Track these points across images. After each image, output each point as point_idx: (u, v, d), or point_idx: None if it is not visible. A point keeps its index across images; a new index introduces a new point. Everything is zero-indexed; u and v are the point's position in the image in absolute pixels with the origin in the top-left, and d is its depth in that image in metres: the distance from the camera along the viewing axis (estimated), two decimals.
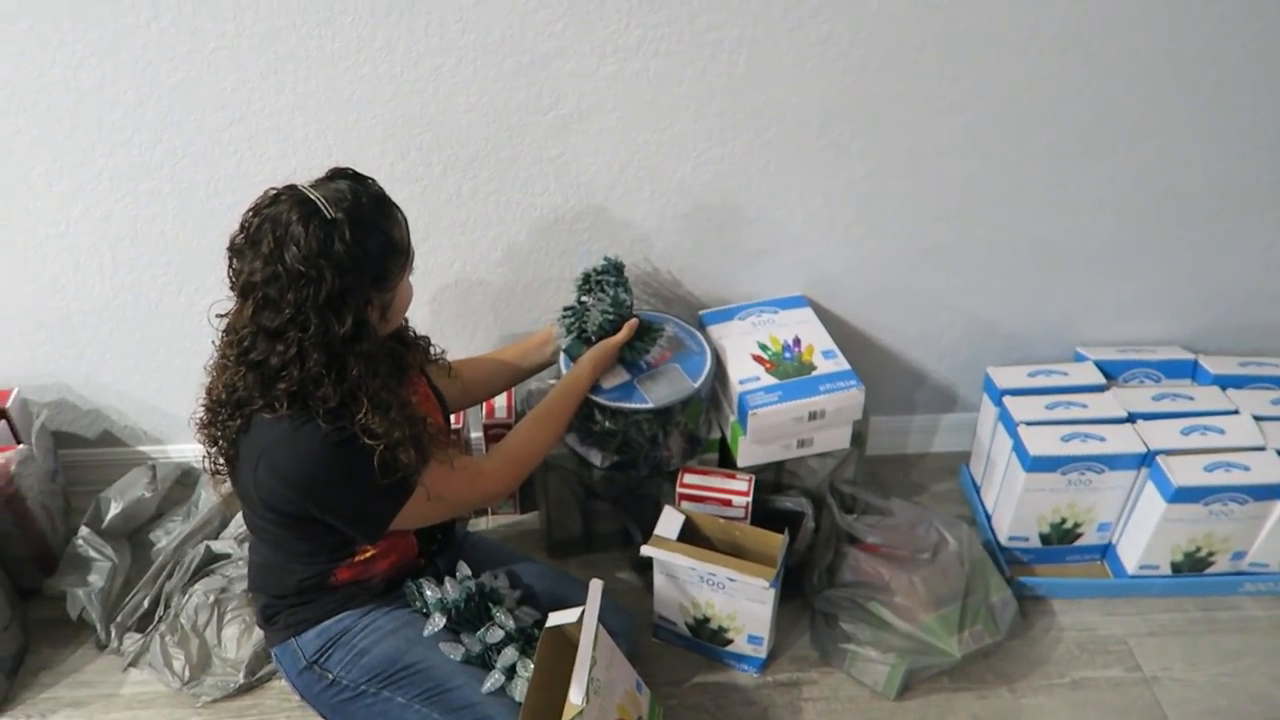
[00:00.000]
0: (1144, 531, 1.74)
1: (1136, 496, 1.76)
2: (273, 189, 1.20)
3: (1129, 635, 1.75)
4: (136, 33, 1.49)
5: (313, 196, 1.16)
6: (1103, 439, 1.73)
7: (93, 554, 1.76)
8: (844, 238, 1.82)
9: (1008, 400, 1.84)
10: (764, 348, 1.74)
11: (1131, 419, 1.78)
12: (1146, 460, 1.72)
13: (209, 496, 1.90)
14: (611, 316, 1.62)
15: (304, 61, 1.54)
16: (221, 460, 1.30)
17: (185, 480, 2.00)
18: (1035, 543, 1.84)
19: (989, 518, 1.93)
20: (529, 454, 1.49)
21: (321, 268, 1.14)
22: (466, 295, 1.84)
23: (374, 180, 1.25)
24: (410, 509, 1.30)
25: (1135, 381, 1.94)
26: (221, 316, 1.26)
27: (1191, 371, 1.94)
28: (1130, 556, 1.80)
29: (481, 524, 2.01)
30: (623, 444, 1.64)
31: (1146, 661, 1.70)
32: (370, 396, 1.21)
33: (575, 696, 1.26)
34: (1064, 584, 1.82)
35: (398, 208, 1.26)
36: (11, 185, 1.64)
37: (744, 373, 1.70)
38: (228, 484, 1.34)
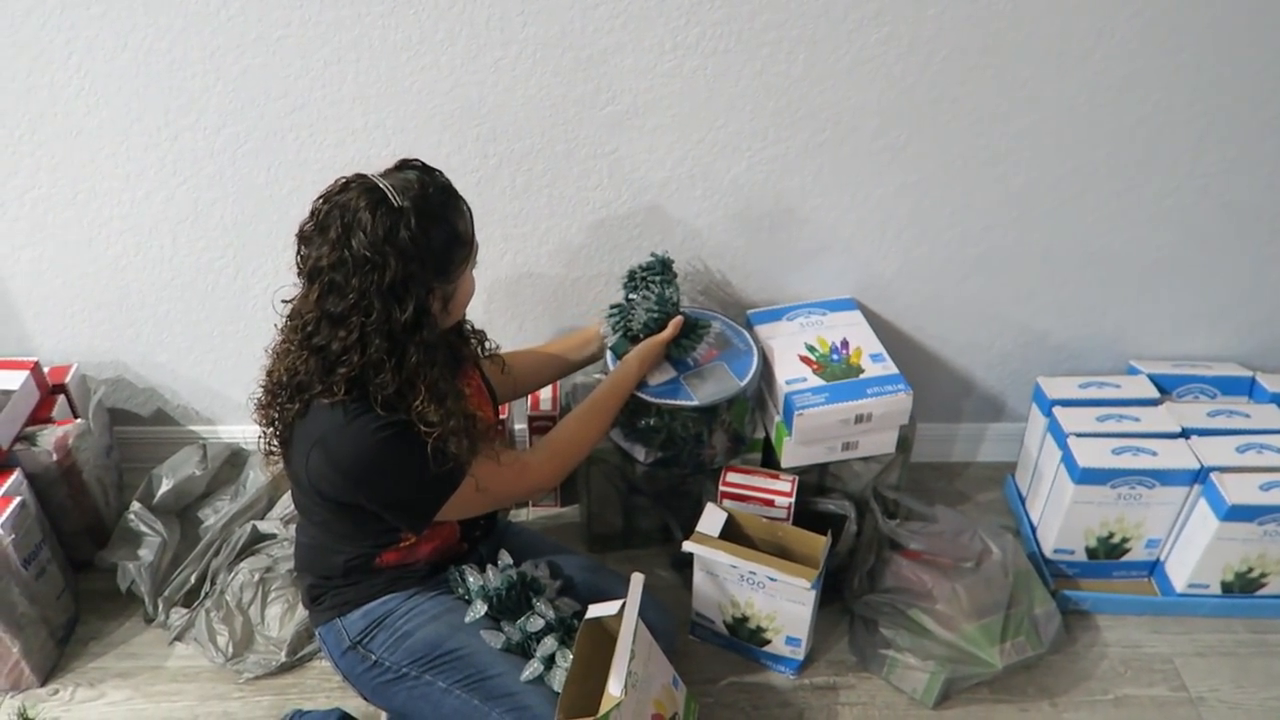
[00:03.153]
0: (1194, 550, 1.71)
1: (1188, 514, 1.73)
2: (342, 178, 1.22)
3: (1175, 654, 1.71)
4: (205, 20, 1.52)
5: (381, 185, 1.18)
6: (1155, 453, 1.70)
7: (143, 529, 1.80)
8: (896, 241, 1.81)
9: (1058, 411, 1.81)
10: (812, 349, 1.74)
11: (1185, 434, 1.75)
12: (1200, 477, 1.68)
13: (256, 477, 1.93)
14: (657, 314, 1.62)
15: (366, 51, 1.56)
16: (276, 442, 1.33)
17: (234, 461, 2.04)
18: (1081, 556, 1.82)
19: (1034, 529, 1.90)
20: (575, 450, 1.50)
21: (386, 254, 1.16)
22: (517, 288, 1.86)
23: (441, 172, 1.27)
24: (456, 500, 1.32)
25: (1190, 397, 1.90)
26: (286, 302, 1.28)
27: (1249, 389, 1.90)
28: (1179, 574, 1.76)
29: (522, 515, 2.02)
30: (667, 440, 1.64)
31: (1193, 682, 1.66)
32: (428, 385, 1.23)
33: (614, 688, 1.26)
34: (1110, 599, 1.79)
35: (463, 200, 1.28)
36: (80, 166, 1.68)
37: (791, 373, 1.69)
38: (279, 464, 1.37)
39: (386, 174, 1.23)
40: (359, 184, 1.19)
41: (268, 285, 1.67)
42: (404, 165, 1.26)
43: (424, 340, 1.23)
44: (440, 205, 1.22)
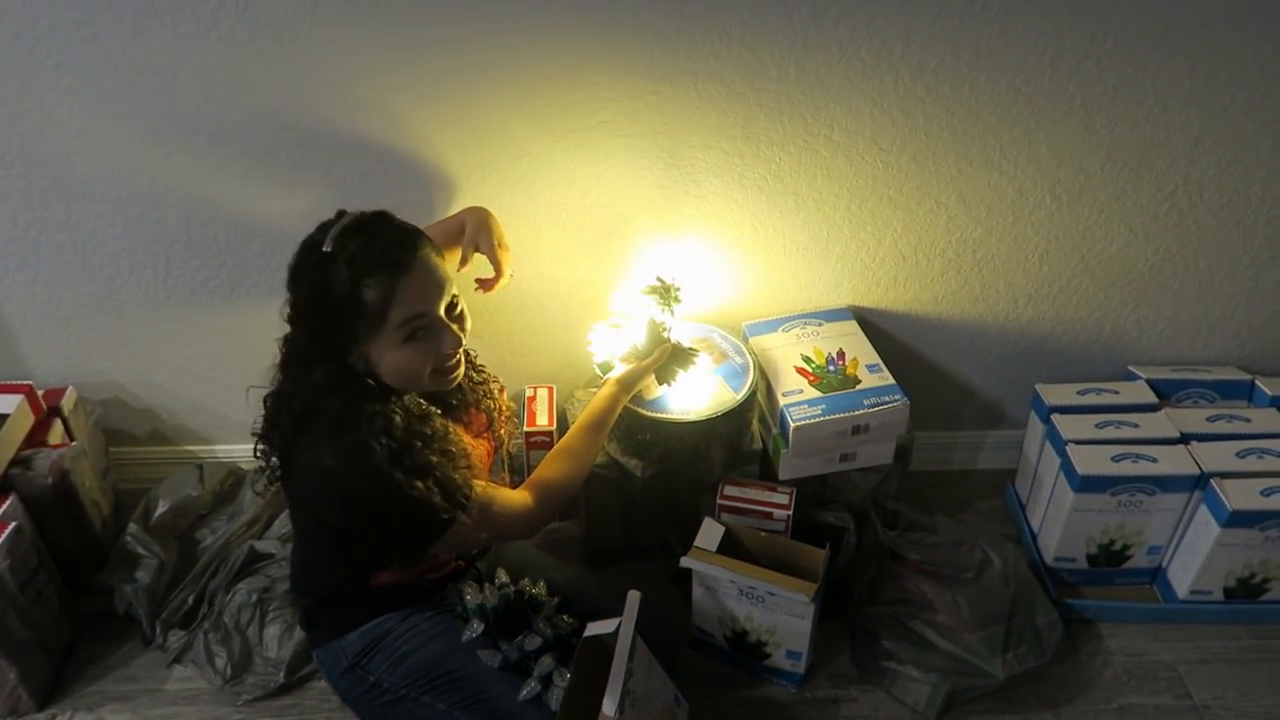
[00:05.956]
0: (1196, 556, 1.70)
1: (1189, 520, 1.72)
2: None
3: (1179, 662, 1.70)
4: (195, 40, 1.51)
5: (334, 228, 1.20)
6: (1155, 460, 1.69)
7: (141, 551, 1.79)
8: (891, 250, 1.80)
9: (1056, 418, 1.81)
10: (808, 360, 1.73)
11: (1185, 440, 1.74)
12: (1200, 483, 1.68)
13: (254, 497, 1.93)
14: (646, 339, 1.61)
15: (357, 66, 1.55)
16: (276, 461, 1.33)
17: (231, 480, 2.03)
18: (1083, 564, 1.81)
19: (1035, 537, 1.89)
20: (568, 488, 1.47)
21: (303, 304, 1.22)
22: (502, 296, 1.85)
23: (387, 228, 1.22)
24: (448, 541, 1.31)
25: (1189, 402, 1.89)
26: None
27: (1248, 392, 1.89)
28: (1181, 581, 1.75)
29: None
30: (664, 455, 1.63)
31: (1197, 690, 1.65)
32: (389, 441, 1.23)
33: (608, 708, 1.25)
34: (1112, 607, 1.78)
35: (392, 270, 1.19)
36: (73, 188, 1.68)
37: (787, 385, 1.68)
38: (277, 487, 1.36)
39: (359, 216, 1.22)
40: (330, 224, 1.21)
41: (261, 305, 1.65)
42: (358, 218, 1.23)
43: (359, 396, 1.24)
44: (348, 263, 1.17)
